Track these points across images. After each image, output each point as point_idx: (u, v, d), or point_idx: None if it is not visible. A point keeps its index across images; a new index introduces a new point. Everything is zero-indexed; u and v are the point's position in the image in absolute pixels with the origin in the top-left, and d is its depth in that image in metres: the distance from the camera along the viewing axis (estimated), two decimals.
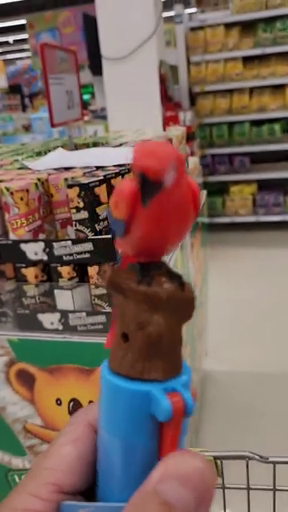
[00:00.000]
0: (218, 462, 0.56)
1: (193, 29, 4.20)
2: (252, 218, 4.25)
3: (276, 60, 4.06)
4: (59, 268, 1.02)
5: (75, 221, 0.99)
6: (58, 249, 1.00)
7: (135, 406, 0.27)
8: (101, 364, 0.30)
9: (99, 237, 0.99)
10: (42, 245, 1.00)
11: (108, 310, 1.01)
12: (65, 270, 1.02)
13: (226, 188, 4.38)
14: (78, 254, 0.99)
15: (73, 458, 0.29)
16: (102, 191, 1.00)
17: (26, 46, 8.57)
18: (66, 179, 1.03)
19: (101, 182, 1.00)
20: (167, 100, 3.19)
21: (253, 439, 1.79)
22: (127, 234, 0.29)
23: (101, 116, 4.59)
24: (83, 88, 4.25)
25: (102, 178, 1.01)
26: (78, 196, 0.97)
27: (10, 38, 9.82)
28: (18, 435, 1.12)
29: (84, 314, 1.02)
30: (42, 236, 1.04)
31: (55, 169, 1.19)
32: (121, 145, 1.54)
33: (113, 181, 1.05)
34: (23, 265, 1.03)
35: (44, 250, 1.00)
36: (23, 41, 8.79)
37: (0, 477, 1.16)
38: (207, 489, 0.24)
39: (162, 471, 0.24)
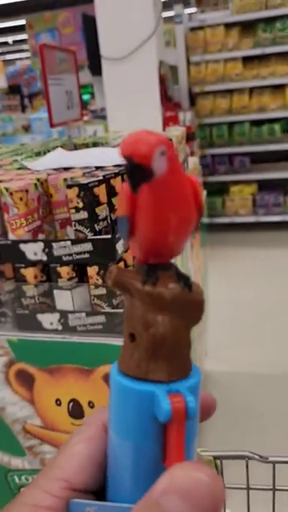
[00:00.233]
0: (218, 461, 0.56)
1: (192, 29, 4.20)
2: (252, 218, 4.25)
3: (276, 60, 4.06)
4: (58, 268, 1.02)
5: (74, 221, 0.99)
6: (58, 249, 1.00)
7: (140, 406, 0.27)
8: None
9: (99, 237, 0.99)
10: (41, 245, 1.00)
11: (107, 310, 1.01)
12: (64, 271, 1.02)
13: (225, 188, 4.38)
14: (77, 254, 0.99)
15: (84, 456, 0.29)
16: (101, 191, 1.00)
17: (25, 47, 8.57)
18: (65, 179, 1.02)
19: (100, 182, 1.00)
20: (167, 100, 3.19)
21: (252, 439, 1.79)
22: (132, 233, 0.29)
23: (100, 116, 4.59)
24: (83, 88, 4.26)
25: (101, 178, 1.01)
26: (78, 196, 0.97)
27: (10, 39, 9.81)
28: (17, 436, 1.12)
29: (83, 314, 1.02)
30: (41, 236, 1.04)
31: (54, 169, 1.19)
32: None
33: (112, 181, 1.05)
34: (22, 265, 1.03)
35: (43, 251, 1.00)
36: (22, 41, 8.79)
37: (0, 477, 1.16)
38: (212, 505, 0.24)
39: (166, 483, 0.24)
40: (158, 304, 0.27)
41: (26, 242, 1.00)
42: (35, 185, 1.02)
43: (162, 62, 3.00)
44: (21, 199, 0.99)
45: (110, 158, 1.21)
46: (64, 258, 1.00)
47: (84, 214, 0.98)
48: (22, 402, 1.09)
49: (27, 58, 8.57)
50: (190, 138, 3.20)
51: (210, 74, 4.18)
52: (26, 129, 5.13)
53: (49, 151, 1.55)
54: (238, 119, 4.21)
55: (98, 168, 1.15)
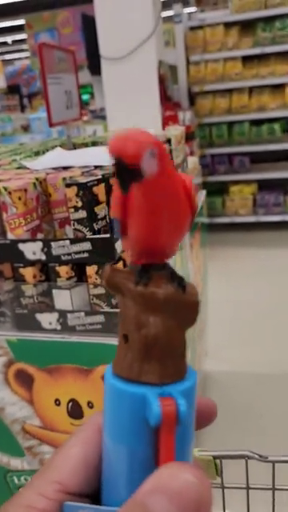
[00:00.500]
0: (218, 461, 0.56)
1: (192, 28, 4.20)
2: (252, 218, 4.25)
3: (275, 59, 4.06)
4: (57, 268, 1.01)
5: (73, 220, 0.99)
6: (56, 248, 0.99)
7: (132, 409, 0.26)
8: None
9: (97, 236, 0.98)
10: (40, 244, 1.00)
11: (106, 309, 1.01)
12: (63, 270, 1.01)
13: (225, 188, 4.38)
14: (76, 253, 0.99)
15: (79, 459, 0.29)
16: (100, 190, 0.99)
17: (24, 47, 8.56)
18: (64, 178, 1.02)
19: (99, 181, 1.00)
20: (166, 100, 3.19)
21: (252, 439, 1.78)
22: (125, 233, 0.29)
23: (100, 116, 4.59)
24: (82, 88, 4.26)
25: (100, 177, 1.01)
26: (77, 195, 0.97)
27: (9, 39, 9.81)
28: (16, 436, 1.11)
29: (82, 313, 1.01)
30: (40, 236, 1.04)
31: (53, 168, 1.19)
32: None
33: (111, 180, 1.04)
34: (21, 264, 1.02)
35: (42, 250, 1.00)
36: (22, 41, 8.78)
37: None
38: (198, 506, 0.23)
39: (153, 483, 0.24)
40: (150, 305, 0.26)
41: (24, 241, 1.00)
42: (34, 184, 1.02)
43: (162, 61, 3.00)
44: (19, 198, 0.98)
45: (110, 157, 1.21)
46: (63, 258, 1.00)
47: (83, 213, 0.98)
48: (21, 402, 1.09)
49: (26, 57, 8.56)
50: (189, 137, 3.20)
51: (209, 74, 4.17)
52: (25, 129, 5.13)
53: (48, 151, 1.54)
54: (238, 119, 4.20)
55: (96, 167, 1.15)
